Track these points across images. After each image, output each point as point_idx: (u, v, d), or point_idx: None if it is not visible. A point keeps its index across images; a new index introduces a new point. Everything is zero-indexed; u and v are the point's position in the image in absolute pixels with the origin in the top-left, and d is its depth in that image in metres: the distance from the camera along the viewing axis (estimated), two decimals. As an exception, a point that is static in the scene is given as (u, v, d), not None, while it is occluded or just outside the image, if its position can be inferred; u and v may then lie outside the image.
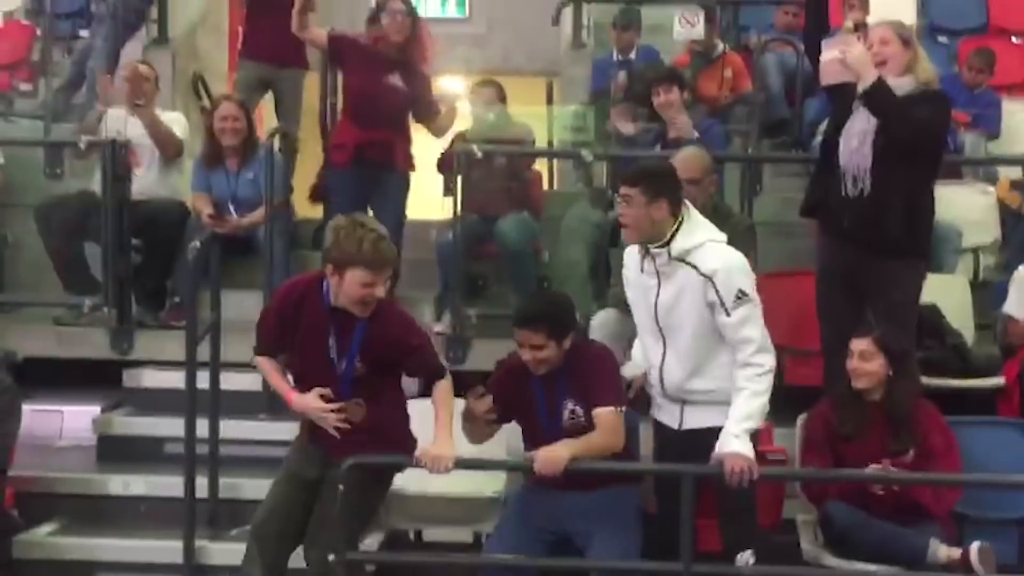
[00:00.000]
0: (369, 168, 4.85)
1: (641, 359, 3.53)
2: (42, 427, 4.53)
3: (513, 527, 3.46)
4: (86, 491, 4.22)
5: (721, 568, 3.38)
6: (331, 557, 3.24)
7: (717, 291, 3.25)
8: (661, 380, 3.41)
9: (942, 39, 6.68)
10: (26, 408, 4.08)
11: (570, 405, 3.36)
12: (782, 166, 5.81)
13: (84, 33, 6.60)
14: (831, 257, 3.99)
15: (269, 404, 4.29)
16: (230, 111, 4.98)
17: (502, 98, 5.17)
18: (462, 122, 5.18)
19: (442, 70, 7.70)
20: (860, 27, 4.99)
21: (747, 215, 4.81)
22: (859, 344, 3.71)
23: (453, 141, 5.06)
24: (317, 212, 5.30)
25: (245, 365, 3.80)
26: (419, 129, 5.09)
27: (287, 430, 3.75)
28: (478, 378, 4.37)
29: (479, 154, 4.75)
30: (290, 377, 3.41)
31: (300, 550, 3.35)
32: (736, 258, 3.33)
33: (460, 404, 3.50)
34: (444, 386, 3.38)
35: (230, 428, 4.20)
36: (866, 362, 3.68)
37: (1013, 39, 6.77)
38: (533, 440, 3.42)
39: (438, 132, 5.07)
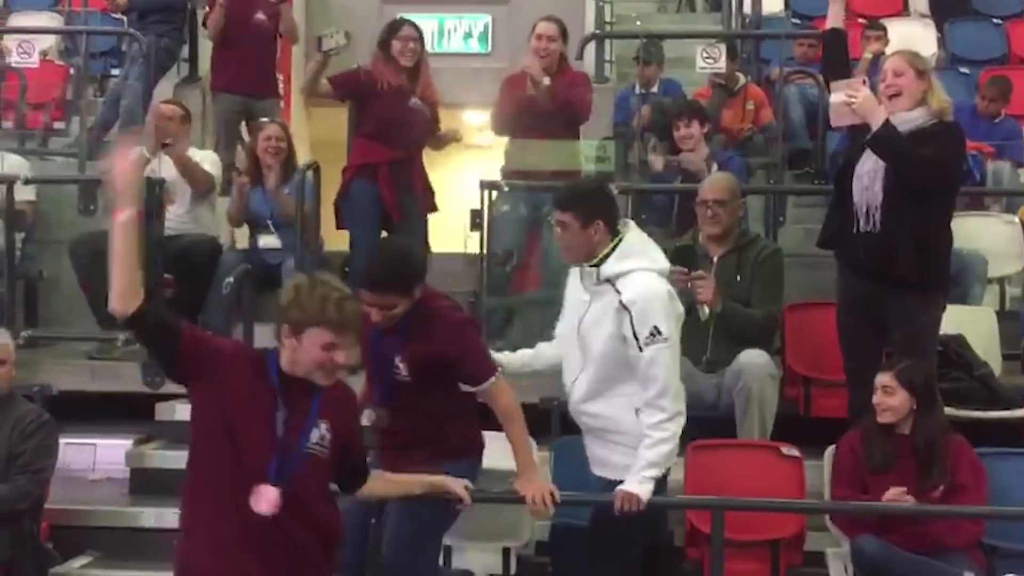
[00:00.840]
0: (393, 188, 4.96)
1: (531, 354, 3.55)
2: (75, 460, 4.58)
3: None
4: (119, 524, 4.26)
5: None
6: None
7: (632, 323, 3.17)
8: (569, 395, 3.37)
9: (963, 70, 6.70)
10: (60, 441, 4.14)
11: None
12: (805, 197, 5.84)
13: (116, 72, 6.74)
14: (849, 290, 4.02)
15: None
16: (274, 132, 5.20)
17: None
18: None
19: (465, 104, 7.83)
20: (879, 57, 5.03)
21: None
22: (882, 379, 3.72)
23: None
24: (344, 244, 5.38)
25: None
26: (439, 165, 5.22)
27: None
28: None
29: (506, 188, 4.82)
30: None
31: None
32: (659, 293, 3.23)
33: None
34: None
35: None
36: (889, 397, 3.69)
37: (1034, 69, 6.79)
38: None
39: (437, 146, 5.20)
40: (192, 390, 2.76)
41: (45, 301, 5.42)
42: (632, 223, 3.39)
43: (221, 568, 2.64)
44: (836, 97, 3.90)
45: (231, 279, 4.19)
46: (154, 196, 4.86)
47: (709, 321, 4.19)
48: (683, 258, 4.26)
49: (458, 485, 3.10)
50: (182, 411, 4.69)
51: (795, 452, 3.98)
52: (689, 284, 4.09)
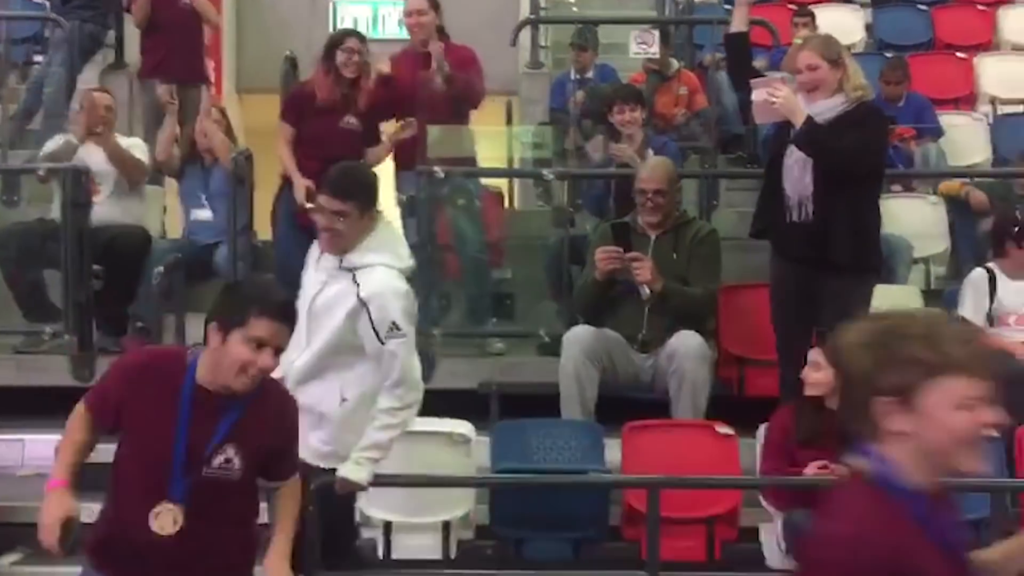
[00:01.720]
0: None
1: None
2: (4, 456, 4.47)
3: None
4: (51, 520, 4.18)
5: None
6: None
7: (371, 318, 3.14)
8: (287, 373, 3.14)
9: (889, 55, 6.84)
10: (-13, 438, 4.04)
11: (229, 452, 2.51)
12: (738, 181, 5.92)
13: (39, 59, 6.57)
14: (783, 275, 4.10)
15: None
16: (216, 113, 5.18)
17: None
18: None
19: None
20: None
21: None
22: (813, 354, 3.80)
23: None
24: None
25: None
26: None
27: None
28: (444, 397, 4.43)
29: (441, 174, 4.80)
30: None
31: None
32: (398, 291, 3.18)
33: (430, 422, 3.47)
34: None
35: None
36: (816, 371, 3.77)
37: (958, 55, 6.95)
38: (144, 467, 2.53)
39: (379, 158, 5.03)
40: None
41: (-32, 295, 5.27)
42: (384, 214, 3.31)
43: None
44: (758, 95, 3.99)
45: (161, 268, 4.11)
46: (80, 186, 4.76)
47: (647, 300, 4.22)
48: (619, 235, 4.29)
49: None
50: (113, 404, 4.61)
51: (729, 431, 4.05)
52: (627, 264, 4.12)
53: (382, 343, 3.17)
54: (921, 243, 5.23)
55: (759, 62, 5.49)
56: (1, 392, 4.48)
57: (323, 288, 3.25)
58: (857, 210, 3.95)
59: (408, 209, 5.16)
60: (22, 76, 6.64)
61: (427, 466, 3.81)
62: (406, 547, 3.93)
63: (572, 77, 6.40)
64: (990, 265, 4.57)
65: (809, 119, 3.88)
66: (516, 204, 6.64)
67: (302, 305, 3.15)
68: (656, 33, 6.11)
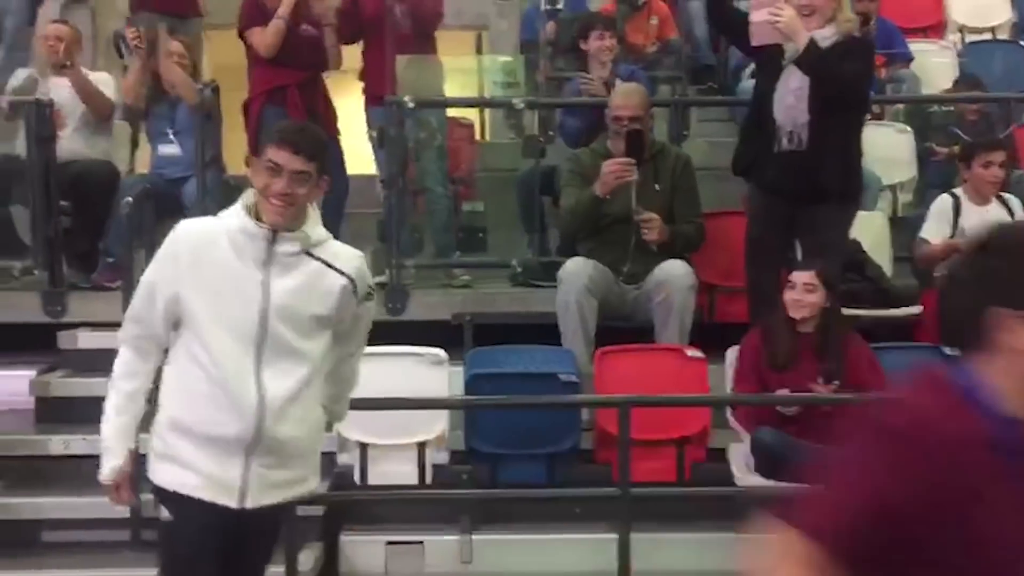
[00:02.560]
0: (301, 112, 4.91)
1: None
2: (-24, 392, 4.48)
3: None
4: (25, 452, 4.19)
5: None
6: None
7: (355, 292, 2.62)
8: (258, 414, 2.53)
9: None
10: (-41, 374, 4.04)
11: None
12: (708, 111, 5.92)
13: (-2, -7, 6.40)
14: (765, 207, 4.13)
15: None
16: (178, 48, 5.09)
17: None
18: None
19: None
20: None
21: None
22: (802, 276, 3.85)
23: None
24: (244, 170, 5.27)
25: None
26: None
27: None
28: (416, 327, 4.45)
29: (411, 105, 4.77)
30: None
31: None
32: (358, 253, 2.70)
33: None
34: None
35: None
36: (809, 294, 3.83)
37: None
38: None
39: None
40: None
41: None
42: None
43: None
44: (758, 16, 3.95)
45: (129, 199, 4.09)
46: (45, 120, 4.69)
47: (630, 233, 4.24)
48: (632, 146, 4.25)
49: None
50: (85, 339, 4.60)
51: (699, 354, 4.11)
52: (637, 222, 4.14)
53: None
54: (888, 170, 5.28)
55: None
56: (-28, 329, 4.46)
57: (272, 284, 2.55)
58: (847, 139, 4.00)
59: (378, 142, 5.14)
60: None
61: (402, 389, 3.84)
62: (382, 473, 3.99)
63: (543, 8, 6.33)
64: (956, 191, 4.63)
65: (812, 41, 3.87)
66: (488, 136, 6.62)
67: (244, 314, 2.54)
68: (627, -38, 6.03)
